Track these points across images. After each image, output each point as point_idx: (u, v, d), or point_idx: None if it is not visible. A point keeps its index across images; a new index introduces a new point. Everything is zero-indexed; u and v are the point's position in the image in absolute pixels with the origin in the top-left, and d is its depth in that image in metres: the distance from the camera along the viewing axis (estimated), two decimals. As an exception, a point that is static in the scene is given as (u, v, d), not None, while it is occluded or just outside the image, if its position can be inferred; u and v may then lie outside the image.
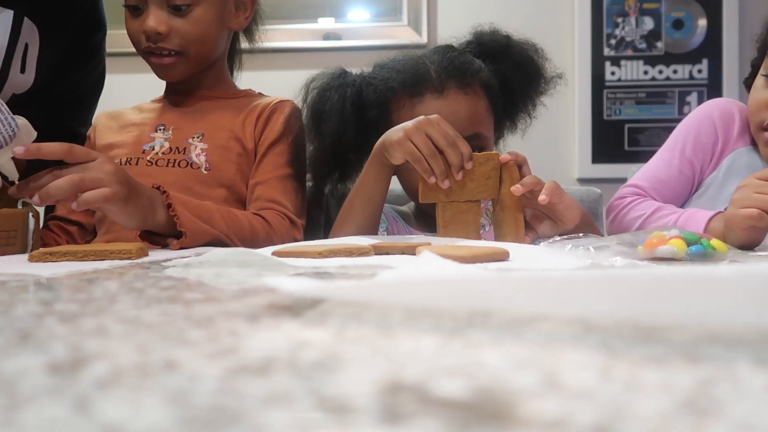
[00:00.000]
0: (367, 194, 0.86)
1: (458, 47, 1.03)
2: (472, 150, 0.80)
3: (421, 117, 0.79)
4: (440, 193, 0.78)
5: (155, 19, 0.88)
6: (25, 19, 0.86)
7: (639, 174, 1.01)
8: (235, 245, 0.80)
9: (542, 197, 0.75)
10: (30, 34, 0.87)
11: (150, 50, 0.91)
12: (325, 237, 1.30)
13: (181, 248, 0.73)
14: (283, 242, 0.86)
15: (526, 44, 1.03)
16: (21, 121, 0.68)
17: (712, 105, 1.01)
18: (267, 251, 0.52)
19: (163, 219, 0.74)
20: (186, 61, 0.92)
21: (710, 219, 0.81)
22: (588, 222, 0.84)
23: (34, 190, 0.65)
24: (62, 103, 0.97)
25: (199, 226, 0.75)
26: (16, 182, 0.68)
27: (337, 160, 1.02)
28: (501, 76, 1.00)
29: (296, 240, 0.90)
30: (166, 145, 0.93)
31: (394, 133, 0.80)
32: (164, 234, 0.75)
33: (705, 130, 0.98)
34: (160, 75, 0.95)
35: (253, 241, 0.83)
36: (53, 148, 0.67)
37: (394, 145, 0.79)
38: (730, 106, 1.00)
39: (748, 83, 1.00)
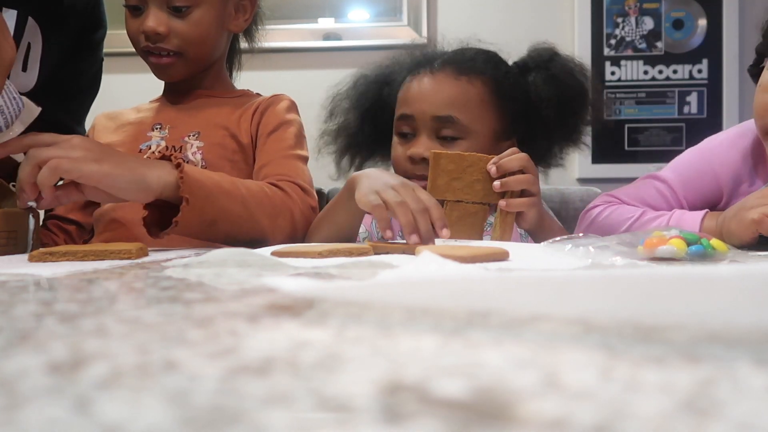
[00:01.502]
0: (334, 221, 0.82)
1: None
2: (447, 134, 0.84)
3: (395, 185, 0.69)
4: (447, 192, 0.78)
5: (155, 20, 0.88)
6: (29, 18, 0.86)
7: (621, 190, 0.95)
8: (252, 213, 0.76)
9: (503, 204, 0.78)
10: (33, 33, 0.87)
11: (149, 50, 0.91)
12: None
13: (180, 239, 0.72)
14: (300, 209, 0.83)
15: (571, 61, 1.04)
16: (24, 99, 0.68)
17: (713, 153, 0.92)
18: (266, 251, 0.52)
19: (170, 179, 0.69)
20: (184, 62, 0.92)
21: (702, 219, 0.81)
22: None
23: (32, 189, 0.65)
24: (58, 98, 0.96)
25: (207, 188, 0.70)
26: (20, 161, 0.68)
27: (359, 128, 1.09)
28: (534, 86, 1.01)
29: (312, 208, 0.87)
30: (163, 143, 0.94)
31: (368, 193, 0.71)
32: (174, 200, 0.70)
33: (706, 179, 0.91)
34: (159, 75, 0.95)
35: (271, 206, 0.78)
36: (19, 142, 0.67)
37: (371, 209, 0.71)
38: (732, 154, 0.91)
39: (752, 71, 0.92)
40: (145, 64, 0.95)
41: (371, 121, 1.08)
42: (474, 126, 0.96)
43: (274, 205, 0.79)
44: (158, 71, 0.94)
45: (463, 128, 0.95)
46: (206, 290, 0.34)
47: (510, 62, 1.05)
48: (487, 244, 0.70)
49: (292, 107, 0.99)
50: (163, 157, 0.72)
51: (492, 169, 0.77)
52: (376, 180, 0.72)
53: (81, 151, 0.65)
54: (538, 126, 1.01)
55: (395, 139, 1.01)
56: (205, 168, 0.91)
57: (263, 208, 0.77)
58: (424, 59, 1.02)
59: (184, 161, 0.71)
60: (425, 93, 0.96)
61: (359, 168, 1.13)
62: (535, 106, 1.00)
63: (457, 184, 0.78)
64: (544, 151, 1.06)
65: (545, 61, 1.02)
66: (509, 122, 1.00)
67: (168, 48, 0.90)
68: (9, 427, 0.12)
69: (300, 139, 0.97)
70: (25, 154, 0.68)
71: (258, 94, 1.04)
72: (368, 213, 0.75)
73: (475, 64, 0.98)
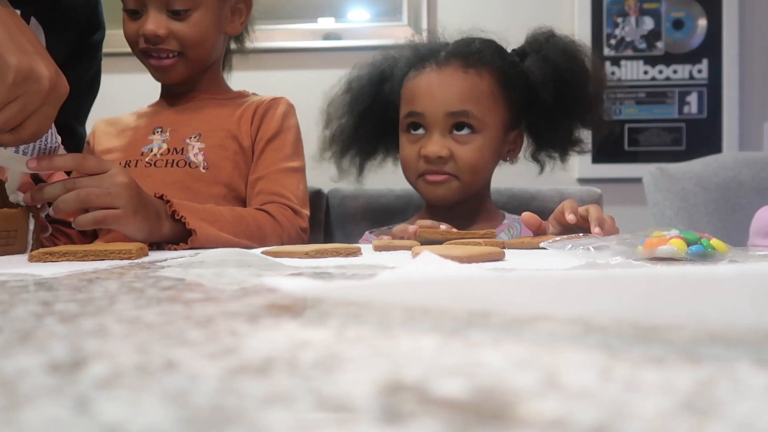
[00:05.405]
0: None
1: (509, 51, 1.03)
2: (460, 127, 0.85)
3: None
4: (436, 234, 0.77)
5: (154, 23, 0.89)
6: (32, 18, 0.86)
7: None
8: (245, 244, 0.80)
9: (569, 218, 0.74)
10: (36, 33, 0.87)
11: (148, 51, 0.91)
12: (326, 237, 1.31)
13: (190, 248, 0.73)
14: (289, 234, 0.88)
15: (565, 40, 1.03)
16: (61, 147, 0.69)
17: None
18: (257, 251, 0.52)
19: (168, 231, 0.75)
20: (184, 63, 0.93)
21: None
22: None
23: (47, 201, 0.66)
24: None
25: (206, 229, 0.75)
26: (21, 202, 0.68)
27: (359, 129, 1.07)
28: (530, 71, 0.99)
29: (302, 229, 0.91)
30: (164, 146, 0.94)
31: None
32: (170, 241, 0.76)
33: None
34: (158, 77, 0.96)
35: (261, 237, 0.84)
36: (65, 160, 0.67)
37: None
38: None
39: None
40: (142, 65, 0.95)
41: (371, 119, 1.07)
42: (487, 119, 0.95)
43: (263, 236, 0.85)
44: (159, 73, 0.94)
45: (478, 122, 0.94)
46: (206, 290, 0.34)
47: (509, 50, 1.04)
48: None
49: (290, 111, 1.00)
50: (162, 197, 0.76)
51: (571, 218, 0.72)
52: None
53: (126, 198, 0.68)
54: (541, 112, 1.00)
55: (403, 137, 0.99)
56: (207, 169, 0.91)
57: (254, 239, 0.84)
58: (427, 52, 1.00)
59: (179, 204, 0.76)
60: (434, 90, 0.95)
61: (362, 169, 1.13)
62: (535, 91, 0.99)
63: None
64: (554, 136, 1.05)
65: (540, 44, 1.01)
66: (516, 112, 0.99)
67: (169, 49, 0.91)
68: (9, 427, 0.12)
69: (297, 146, 0.99)
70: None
71: (254, 94, 1.05)
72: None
73: (482, 56, 0.97)
